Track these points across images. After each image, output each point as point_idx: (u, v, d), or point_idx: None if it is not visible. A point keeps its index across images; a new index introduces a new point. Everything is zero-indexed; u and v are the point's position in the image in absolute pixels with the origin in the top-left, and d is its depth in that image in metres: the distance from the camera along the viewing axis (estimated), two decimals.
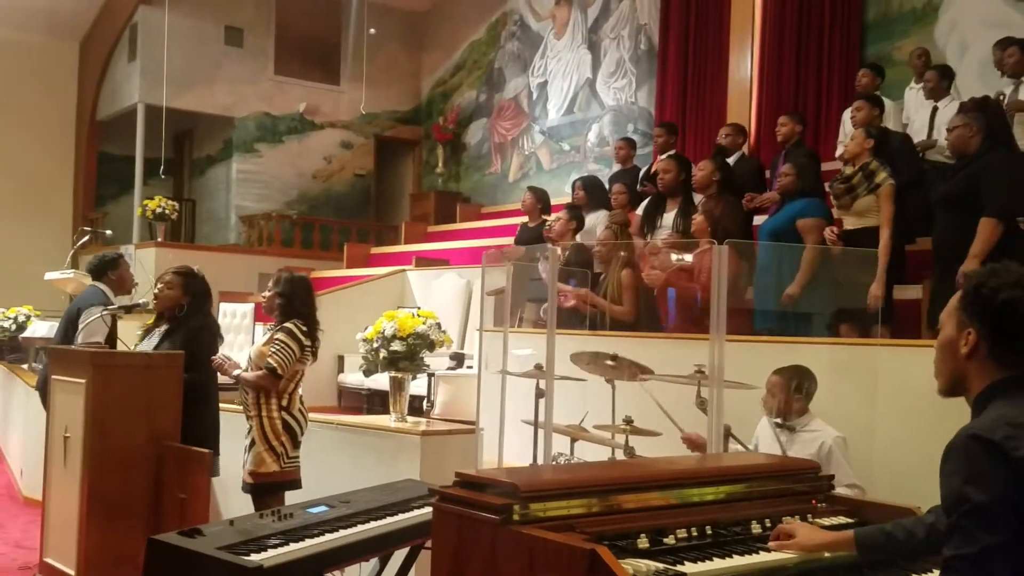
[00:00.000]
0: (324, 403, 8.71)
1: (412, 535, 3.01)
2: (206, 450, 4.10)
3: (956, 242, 4.50)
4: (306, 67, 13.60)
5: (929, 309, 4.89)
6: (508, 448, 4.63)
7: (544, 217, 7.44)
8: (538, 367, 4.02)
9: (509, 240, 9.54)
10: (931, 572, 2.23)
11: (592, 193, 7.11)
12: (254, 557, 2.50)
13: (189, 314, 4.62)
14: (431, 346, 4.80)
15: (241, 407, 4.51)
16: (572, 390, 4.23)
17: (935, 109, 6.47)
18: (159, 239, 11.58)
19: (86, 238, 8.08)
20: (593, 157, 11.70)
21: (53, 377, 4.64)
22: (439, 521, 2.20)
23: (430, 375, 6.27)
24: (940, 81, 6.45)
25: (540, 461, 3.99)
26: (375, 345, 4.75)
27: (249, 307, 9.65)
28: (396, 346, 4.69)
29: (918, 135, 6.68)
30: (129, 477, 4.22)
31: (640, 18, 11.17)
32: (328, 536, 2.74)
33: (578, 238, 6.53)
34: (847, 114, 7.16)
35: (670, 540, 2.20)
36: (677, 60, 10.34)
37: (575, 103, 12.04)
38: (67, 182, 13.65)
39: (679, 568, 2.08)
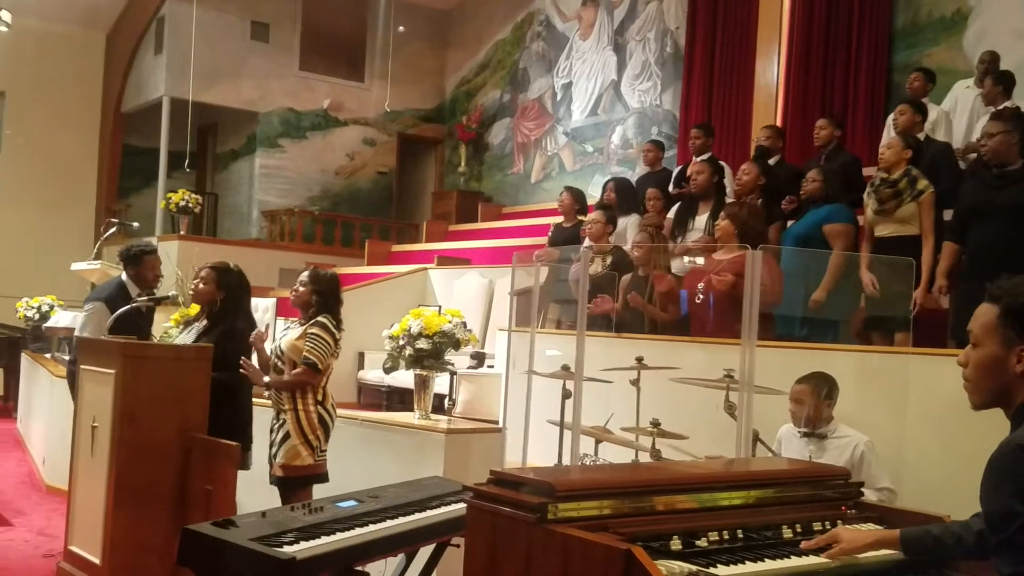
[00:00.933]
0: (344, 399, 8.73)
1: (439, 532, 3.03)
2: (233, 443, 4.13)
3: (1007, 254, 4.40)
4: (331, 63, 13.67)
5: (954, 314, 4.84)
6: (531, 448, 4.65)
7: (580, 218, 7.43)
8: (565, 368, 4.02)
9: (531, 241, 9.55)
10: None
11: (623, 195, 7.11)
12: (287, 549, 2.53)
13: (224, 310, 4.65)
14: (456, 344, 4.82)
15: (270, 401, 4.55)
16: (597, 392, 4.23)
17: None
18: (181, 232, 11.66)
19: (113, 229, 8.15)
20: (616, 159, 11.69)
21: (82, 367, 4.69)
22: (474, 518, 2.22)
23: (452, 374, 6.29)
24: (994, 86, 6.30)
25: (566, 462, 4.00)
26: (401, 342, 4.77)
27: (271, 302, 9.70)
28: (422, 344, 4.71)
29: (963, 134, 6.59)
30: (156, 468, 4.26)
31: (667, 21, 11.15)
32: (358, 530, 2.76)
33: (612, 238, 6.54)
34: (890, 120, 7.10)
35: (702, 543, 2.21)
36: (703, 64, 10.32)
37: (599, 105, 12.04)
38: (91, 173, 13.77)
39: (712, 571, 2.09)
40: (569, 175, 12.29)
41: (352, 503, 2.99)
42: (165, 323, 5.85)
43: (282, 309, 9.48)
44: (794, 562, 2.21)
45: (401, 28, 13.30)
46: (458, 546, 2.86)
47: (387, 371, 5.14)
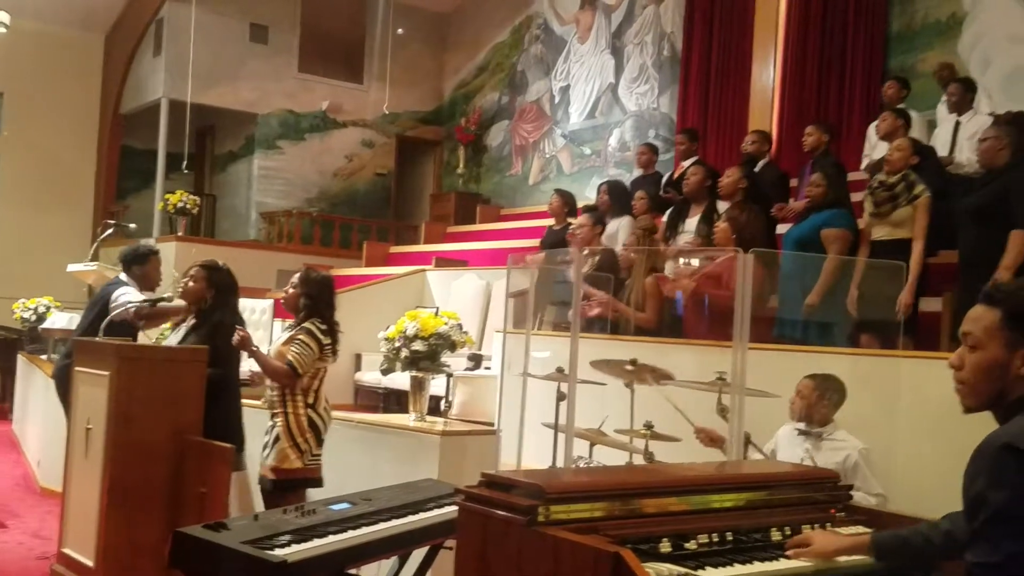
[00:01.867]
0: (340, 401, 8.73)
1: (432, 534, 3.03)
2: (228, 445, 4.14)
3: (984, 255, 4.48)
4: (330, 65, 13.69)
5: (953, 321, 4.87)
6: (526, 450, 4.65)
7: (570, 220, 7.46)
8: (559, 371, 4.03)
9: (529, 242, 9.56)
10: None
11: (617, 198, 7.13)
12: (278, 552, 2.53)
13: (213, 308, 4.66)
14: (452, 347, 4.82)
15: (263, 404, 4.56)
16: (592, 394, 4.24)
17: (957, 123, 6.44)
18: (179, 233, 11.67)
19: (110, 231, 8.15)
20: (614, 162, 11.71)
21: (77, 369, 4.69)
22: (464, 520, 2.23)
23: (449, 375, 6.29)
24: (964, 94, 6.41)
25: (560, 464, 4.00)
26: (397, 344, 4.77)
27: (268, 303, 9.71)
28: (418, 346, 4.71)
29: (941, 149, 6.66)
30: (150, 470, 4.26)
31: (664, 25, 11.18)
32: (351, 533, 2.76)
33: (604, 239, 6.56)
34: (871, 129, 7.14)
35: (691, 545, 2.22)
36: (700, 67, 10.34)
37: (597, 107, 12.06)
38: (89, 174, 13.77)
39: (700, 573, 2.10)
40: (567, 177, 12.31)
41: (345, 505, 3.00)
42: (163, 324, 5.86)
43: (279, 311, 9.48)
44: (782, 564, 2.22)
45: (400, 30, 13.31)
46: (451, 548, 2.86)
47: (384, 373, 5.14)
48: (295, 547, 2.58)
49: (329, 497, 3.12)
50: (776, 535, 2.37)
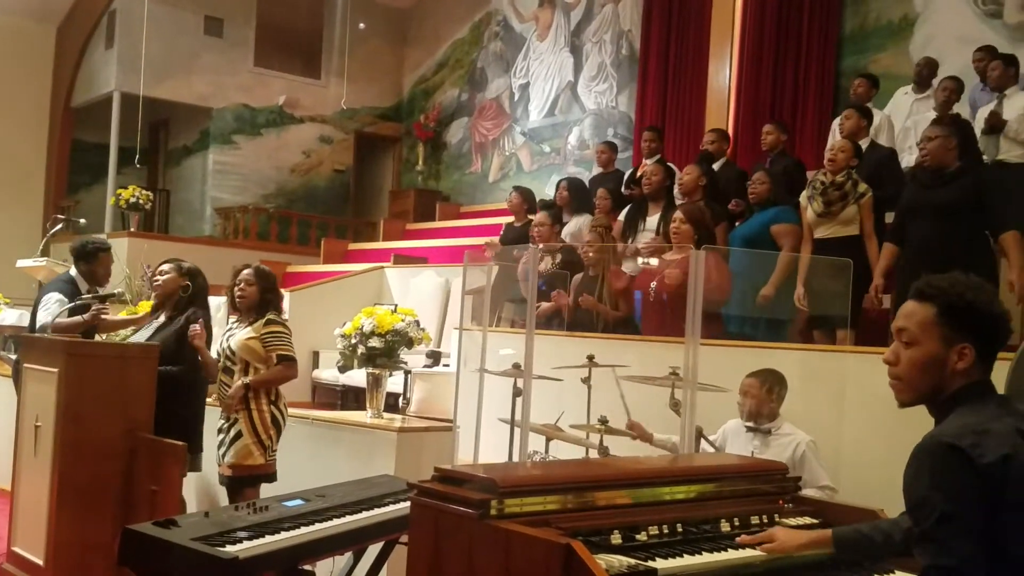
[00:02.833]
0: (298, 399, 8.67)
1: (387, 530, 3.04)
2: (179, 443, 4.10)
3: (939, 251, 4.55)
4: (287, 60, 13.55)
5: (893, 312, 4.96)
6: (484, 446, 4.66)
7: (530, 217, 7.49)
8: (516, 366, 4.05)
9: (488, 240, 9.55)
10: (892, 573, 2.29)
11: (576, 195, 7.17)
12: (229, 548, 2.52)
13: (187, 301, 4.60)
14: (409, 343, 4.82)
15: (215, 400, 4.52)
16: (548, 390, 4.27)
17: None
18: (132, 229, 11.48)
19: (59, 226, 8.00)
20: (573, 160, 11.76)
21: (25, 365, 4.61)
22: (417, 515, 2.23)
23: (407, 372, 6.28)
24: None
25: (516, 459, 4.02)
26: (353, 341, 4.76)
27: (223, 300, 9.60)
28: (374, 342, 4.70)
29: (907, 139, 6.74)
30: (100, 468, 4.21)
31: (622, 24, 11.25)
32: (304, 529, 2.75)
33: (564, 238, 6.59)
34: (836, 124, 7.24)
35: (642, 537, 2.25)
36: (658, 66, 10.42)
37: (556, 105, 12.09)
38: (40, 168, 13.48)
39: (651, 564, 2.12)
40: (526, 175, 12.33)
41: (299, 502, 2.99)
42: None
43: (234, 288, 9.36)
44: (730, 555, 2.26)
45: (362, 25, 13.19)
46: (406, 544, 2.86)
47: (341, 370, 5.13)
48: (247, 543, 2.56)
49: (283, 494, 3.09)
50: (725, 526, 2.41)
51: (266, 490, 4.25)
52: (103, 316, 4.79)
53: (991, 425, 1.84)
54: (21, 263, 7.38)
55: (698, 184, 5.85)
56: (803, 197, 5.43)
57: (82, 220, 8.77)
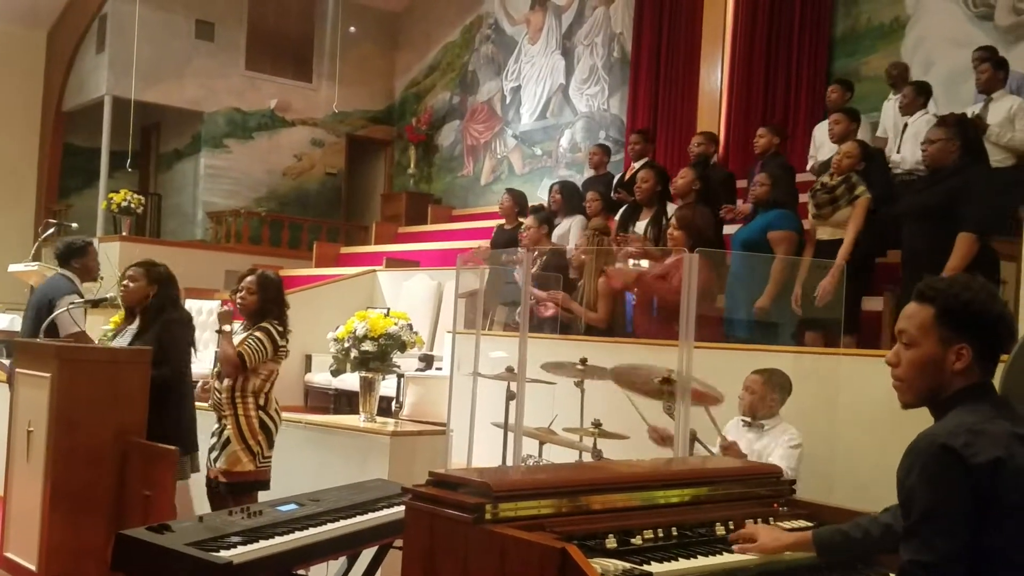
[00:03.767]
0: (291, 402, 8.66)
1: (381, 534, 3.03)
2: (172, 447, 4.08)
3: (927, 254, 4.56)
4: (278, 63, 13.53)
5: (893, 319, 4.98)
6: (477, 450, 4.66)
7: (521, 220, 7.50)
8: (509, 370, 4.05)
9: (480, 243, 9.55)
10: (887, 574, 2.30)
11: (569, 198, 7.19)
12: (223, 554, 2.51)
13: (157, 306, 4.58)
14: (402, 347, 4.82)
15: (210, 406, 4.51)
16: (542, 393, 4.27)
17: (905, 125, 6.57)
18: (124, 233, 11.45)
19: (51, 230, 7.97)
20: (565, 163, 11.77)
21: (17, 371, 4.59)
22: (412, 519, 2.23)
23: (400, 376, 6.28)
24: (916, 96, 6.51)
25: (509, 463, 4.02)
26: (346, 345, 4.76)
27: (215, 304, 9.58)
28: (367, 346, 4.70)
29: (890, 149, 6.80)
30: (93, 473, 4.19)
31: (614, 27, 11.27)
32: (297, 534, 2.75)
33: (555, 239, 6.59)
34: (819, 128, 7.27)
35: (637, 540, 2.25)
36: (649, 69, 10.45)
37: (548, 108, 12.10)
38: (31, 173, 13.44)
39: (646, 568, 2.12)
40: (518, 178, 12.33)
41: (292, 506, 2.98)
42: (104, 325, 5.75)
43: (236, 296, 9.33)
44: (725, 558, 2.26)
45: (352, 29, 13.16)
46: (400, 548, 2.86)
47: (334, 374, 5.12)
48: (241, 548, 2.56)
49: (277, 499, 3.09)
50: (720, 530, 2.42)
51: (260, 494, 4.25)
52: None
53: (986, 426, 1.85)
54: (13, 267, 7.35)
55: (691, 188, 5.87)
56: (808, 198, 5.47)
57: (74, 224, 8.73)
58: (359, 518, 2.99)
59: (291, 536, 2.72)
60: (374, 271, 9.83)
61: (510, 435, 4.02)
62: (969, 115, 6.09)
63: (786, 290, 5.24)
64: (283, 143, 13.64)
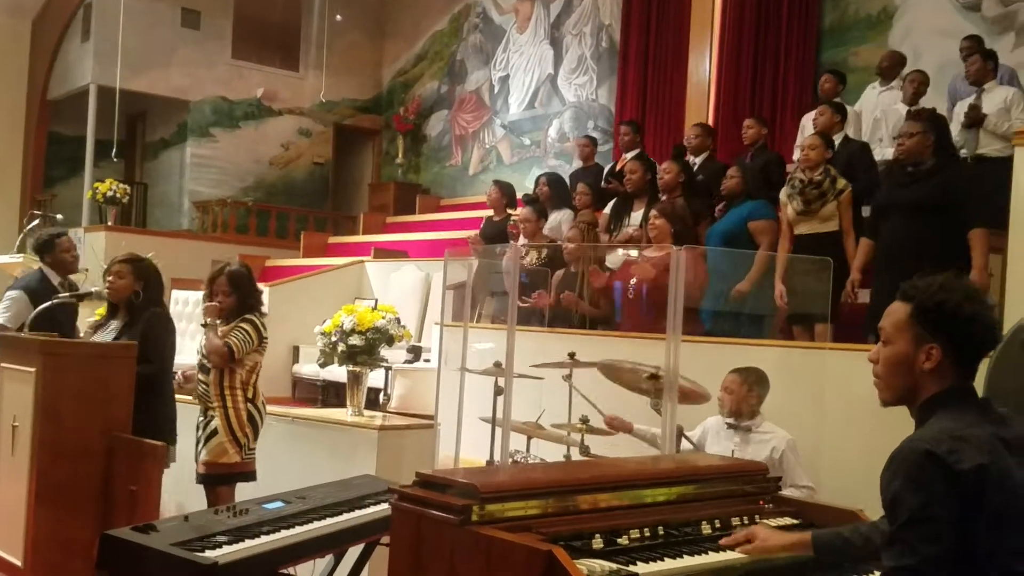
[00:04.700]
0: (278, 394, 8.64)
1: (367, 532, 3.03)
2: (159, 443, 4.07)
3: (912, 248, 4.56)
4: (265, 52, 13.43)
5: (868, 309, 4.97)
6: (465, 444, 4.66)
7: (509, 211, 7.47)
8: (497, 365, 4.05)
9: (469, 233, 9.53)
10: (873, 574, 2.30)
11: (556, 190, 7.17)
12: (208, 554, 2.50)
13: (144, 302, 4.56)
14: (390, 340, 4.82)
15: (194, 398, 4.49)
16: (530, 388, 4.26)
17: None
18: (109, 223, 11.38)
19: (36, 222, 7.90)
20: (554, 153, 11.75)
21: (2, 365, 4.56)
22: (398, 520, 2.23)
23: (387, 368, 6.27)
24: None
25: (497, 459, 4.02)
26: (333, 339, 4.75)
27: (201, 295, 9.54)
28: (354, 340, 4.69)
29: (879, 129, 6.77)
30: (79, 468, 4.16)
31: (602, 17, 11.23)
32: (284, 533, 2.74)
33: (545, 231, 6.58)
34: (806, 118, 7.27)
35: (623, 540, 2.25)
36: (637, 59, 10.42)
37: (536, 98, 12.07)
38: (16, 162, 13.32)
39: (632, 568, 2.13)
40: (507, 168, 12.31)
41: (279, 504, 2.97)
42: (89, 318, 5.72)
43: (212, 296, 9.29)
44: (711, 558, 2.27)
45: (339, 17, 13.05)
46: (387, 545, 2.86)
47: (322, 366, 5.12)
48: (226, 548, 2.55)
49: (263, 496, 3.08)
50: (706, 528, 2.42)
51: (246, 489, 4.23)
52: None
53: (970, 431, 1.85)
54: None
55: (677, 181, 5.86)
56: (783, 194, 5.44)
57: (59, 215, 8.68)
58: (346, 516, 2.99)
59: (277, 535, 2.72)
60: (362, 262, 9.81)
61: (498, 430, 4.02)
62: (966, 107, 6.11)
63: (767, 281, 5.25)
64: (270, 132, 13.56)
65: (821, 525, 2.56)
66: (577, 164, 8.76)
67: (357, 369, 4.76)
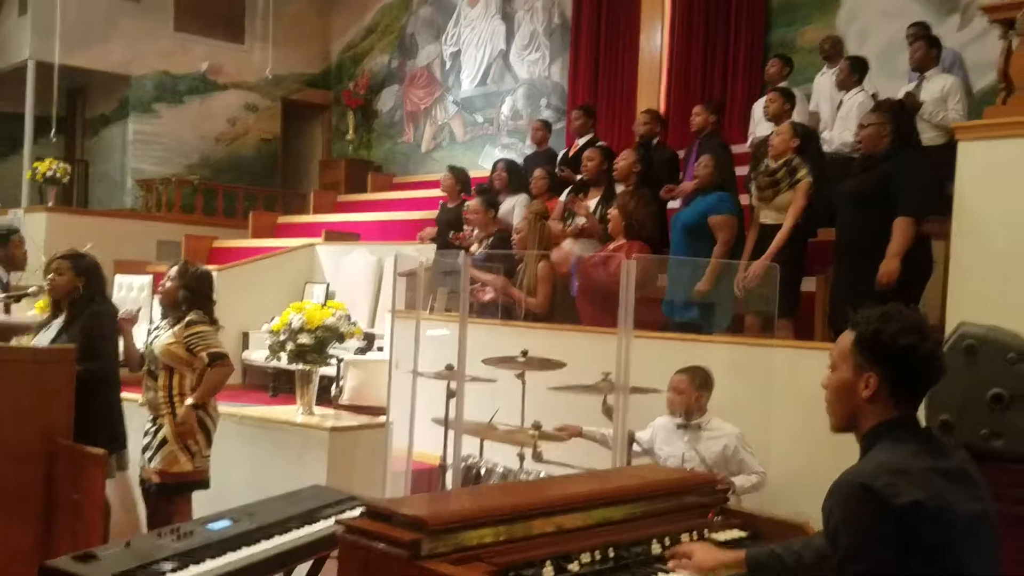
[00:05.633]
0: (229, 381, 8.51)
1: (318, 548, 2.99)
2: (100, 451, 3.97)
3: (861, 239, 4.60)
4: (209, 24, 13.05)
5: (828, 302, 5.03)
6: (419, 438, 4.63)
7: (464, 197, 7.40)
8: (449, 368, 4.01)
9: (422, 214, 9.43)
10: None
11: (514, 177, 7.12)
12: None
13: (87, 298, 4.44)
14: (340, 338, 4.77)
15: (141, 404, 4.39)
16: (483, 386, 4.23)
17: (840, 102, 6.60)
18: (50, 204, 11.05)
19: None
20: (507, 131, 11.65)
21: None
22: (345, 553, 2.19)
23: (339, 360, 6.19)
24: (851, 72, 6.51)
25: (450, 461, 3.99)
26: (282, 337, 4.67)
27: (147, 279, 9.34)
28: (304, 339, 4.63)
29: (824, 124, 6.82)
30: (19, 476, 4.05)
31: None
32: (231, 556, 2.68)
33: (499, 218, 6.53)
34: (757, 105, 7.27)
35: (574, 567, 2.25)
36: (589, 36, 10.33)
37: (488, 75, 11.93)
38: None
39: None
40: (460, 146, 12.19)
41: (226, 523, 2.91)
42: (29, 311, 5.56)
43: (159, 286, 9.11)
44: None
45: None
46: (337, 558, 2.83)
47: (268, 361, 5.04)
48: None
49: (209, 515, 3.01)
50: (656, 547, 2.43)
51: (199, 496, 4.17)
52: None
53: (907, 464, 1.88)
54: None
55: (632, 170, 5.83)
56: (749, 181, 5.46)
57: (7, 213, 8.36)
58: (295, 533, 2.94)
59: (224, 559, 2.66)
60: (313, 245, 9.66)
61: (451, 432, 3.99)
62: (903, 94, 6.16)
63: (725, 275, 5.27)
64: (215, 108, 13.23)
65: (767, 538, 2.59)
66: (531, 148, 8.68)
67: (307, 368, 4.69)
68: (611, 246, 5.13)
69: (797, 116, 6.53)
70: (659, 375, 4.04)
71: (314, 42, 13.92)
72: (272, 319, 4.76)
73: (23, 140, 11.96)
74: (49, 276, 4.47)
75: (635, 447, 3.86)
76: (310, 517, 3.08)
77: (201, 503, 4.19)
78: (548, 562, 2.20)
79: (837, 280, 4.90)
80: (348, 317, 4.77)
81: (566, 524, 2.37)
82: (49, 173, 10.84)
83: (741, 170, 6.45)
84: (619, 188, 6.17)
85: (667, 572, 2.33)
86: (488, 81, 11.93)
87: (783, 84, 6.98)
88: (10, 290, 5.18)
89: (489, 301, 5.50)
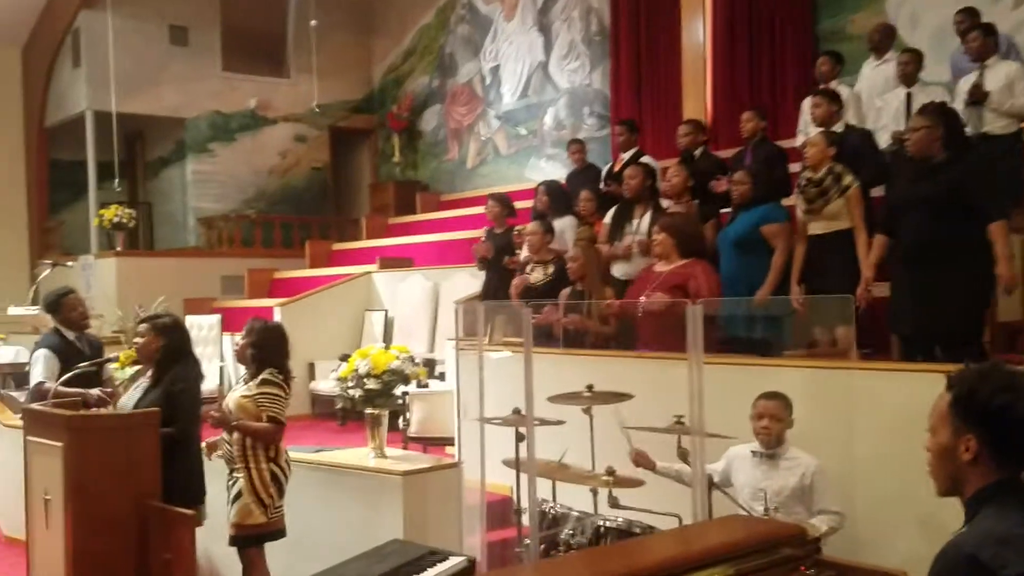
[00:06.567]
0: (297, 412, 8.68)
1: None
2: (189, 512, 4.11)
3: (933, 245, 4.52)
4: (254, 62, 13.33)
5: (894, 310, 4.93)
6: (491, 475, 4.69)
7: (509, 222, 7.42)
8: (516, 412, 4.05)
9: (472, 233, 9.48)
10: None
11: (556, 198, 7.11)
12: None
13: (169, 359, 4.59)
14: (406, 380, 4.84)
15: (221, 455, 4.52)
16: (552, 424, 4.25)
17: (909, 95, 6.33)
18: (118, 248, 11.41)
19: (47, 272, 7.92)
20: (551, 141, 11.65)
21: (28, 439, 4.60)
22: None
23: (404, 395, 6.28)
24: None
25: (525, 505, 4.02)
26: (350, 384, 4.77)
27: (215, 319, 9.56)
28: (371, 384, 4.71)
29: (881, 117, 6.62)
30: (113, 539, 4.22)
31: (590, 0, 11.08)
32: None
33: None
34: (807, 103, 7.15)
35: None
36: (629, 40, 10.25)
37: (529, 87, 11.95)
38: (19, 191, 13.34)
39: None
40: (504, 159, 12.24)
41: None
42: (111, 365, 5.77)
43: (228, 324, 9.36)
44: None
45: (314, 22, 12.56)
46: None
47: (343, 418, 5.14)
48: None
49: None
50: None
51: (275, 547, 4.28)
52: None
53: (1015, 532, 1.83)
54: (14, 311, 7.34)
55: (685, 186, 5.80)
56: (795, 193, 5.39)
57: (69, 263, 8.66)
58: None
59: None
60: (369, 272, 9.83)
61: (522, 476, 4.02)
62: (969, 86, 6.02)
63: (785, 285, 5.22)
64: (266, 142, 13.51)
65: None
66: (571, 167, 8.65)
67: (376, 412, 4.78)
68: (671, 265, 5.08)
69: (854, 118, 6.41)
70: (731, 403, 3.98)
71: (356, 69, 14.11)
72: (339, 366, 4.86)
73: (87, 186, 12.36)
74: (135, 341, 4.67)
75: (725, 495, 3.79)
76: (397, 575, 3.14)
77: (278, 550, 4.31)
78: None
79: (898, 285, 4.80)
80: (412, 359, 4.85)
81: None
82: (115, 219, 11.19)
83: (796, 167, 6.34)
84: (665, 203, 6.15)
85: None
86: (529, 93, 11.95)
87: (834, 83, 6.83)
88: (83, 356, 5.36)
89: (567, 326, 5.48)
